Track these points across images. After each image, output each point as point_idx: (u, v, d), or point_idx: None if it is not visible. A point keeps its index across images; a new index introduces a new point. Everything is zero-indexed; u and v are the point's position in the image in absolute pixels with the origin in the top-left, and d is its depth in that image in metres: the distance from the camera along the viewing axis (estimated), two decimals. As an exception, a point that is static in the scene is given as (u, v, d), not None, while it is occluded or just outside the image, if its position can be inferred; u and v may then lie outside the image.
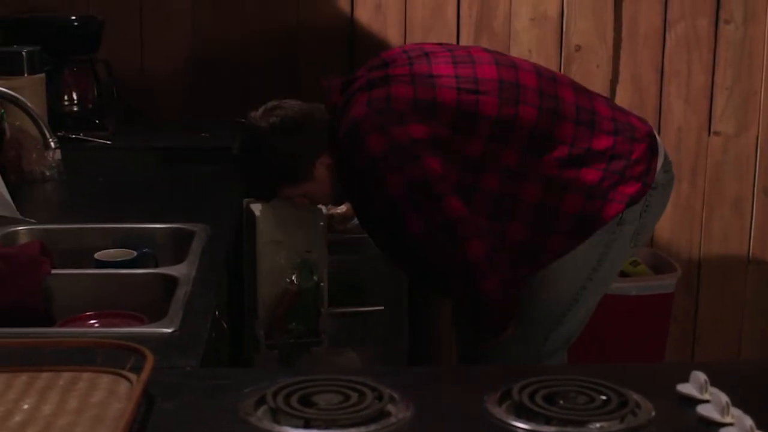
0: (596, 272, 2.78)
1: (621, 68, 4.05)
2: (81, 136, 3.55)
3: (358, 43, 4.03)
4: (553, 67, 3.98)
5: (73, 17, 3.74)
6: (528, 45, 4.01)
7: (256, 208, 3.07)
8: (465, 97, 2.65)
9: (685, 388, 1.60)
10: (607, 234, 2.74)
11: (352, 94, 2.69)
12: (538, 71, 2.78)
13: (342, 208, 3.24)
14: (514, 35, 4.00)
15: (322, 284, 3.12)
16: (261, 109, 2.74)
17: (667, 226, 4.11)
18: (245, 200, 3.12)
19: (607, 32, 4.03)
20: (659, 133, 3.96)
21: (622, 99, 4.02)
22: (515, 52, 3.98)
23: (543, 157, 2.67)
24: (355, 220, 3.16)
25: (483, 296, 2.63)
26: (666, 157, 2.84)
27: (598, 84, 4.01)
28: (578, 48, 4.02)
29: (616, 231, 2.74)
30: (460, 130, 2.63)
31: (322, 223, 3.11)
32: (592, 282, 2.79)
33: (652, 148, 2.79)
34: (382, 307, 3.30)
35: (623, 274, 3.70)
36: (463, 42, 3.98)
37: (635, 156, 2.74)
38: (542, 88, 2.73)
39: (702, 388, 1.58)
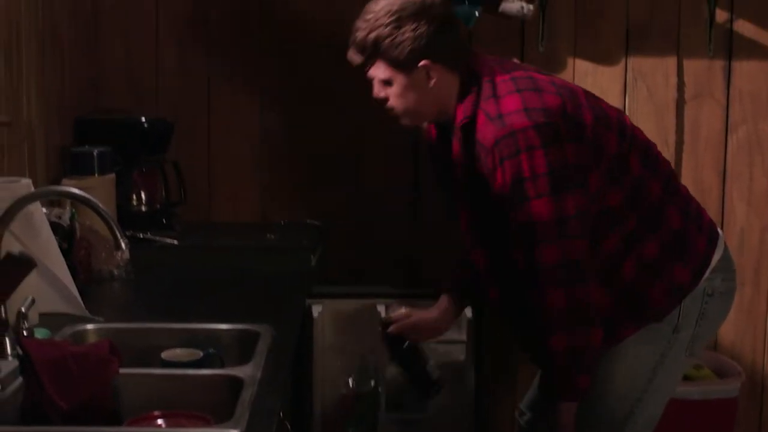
0: (651, 383, 2.74)
1: (683, 170, 4.06)
2: (149, 235, 3.60)
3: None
4: (615, 170, 4.02)
5: (144, 119, 3.81)
6: (590, 147, 4.03)
7: (315, 310, 3.09)
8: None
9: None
10: (663, 342, 2.72)
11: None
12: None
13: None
14: (575, 138, 4.03)
15: (380, 389, 3.11)
16: None
17: (730, 329, 4.09)
18: (307, 301, 3.15)
19: (669, 135, 4.05)
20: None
21: (684, 201, 4.02)
22: (577, 155, 4.01)
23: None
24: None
25: (589, 341, 2.59)
26: (728, 263, 2.82)
27: (660, 186, 4.03)
28: (640, 150, 4.04)
29: (671, 339, 2.73)
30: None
31: (380, 328, 3.12)
32: (647, 393, 2.75)
33: (712, 242, 2.78)
34: (442, 413, 3.28)
35: (686, 378, 3.68)
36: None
37: (694, 244, 2.73)
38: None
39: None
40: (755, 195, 4.08)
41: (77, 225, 3.15)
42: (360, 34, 2.70)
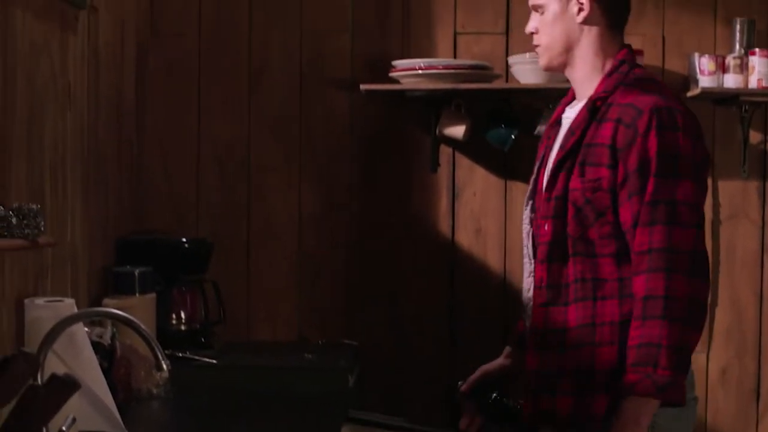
0: None
1: (719, 291, 4.06)
2: (188, 354, 3.62)
3: (458, 267, 4.11)
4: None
5: (184, 239, 3.88)
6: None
7: (345, 432, 3.11)
8: None
9: None
10: None
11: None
12: None
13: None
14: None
15: None
16: None
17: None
18: (343, 428, 3.15)
19: (704, 255, 4.06)
20: (759, 355, 3.97)
21: (720, 321, 4.03)
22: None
23: None
24: None
25: (695, 340, 2.55)
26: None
27: (696, 306, 4.03)
28: (676, 271, 4.05)
29: None
30: None
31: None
32: None
33: None
34: None
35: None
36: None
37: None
38: None
39: None
40: (792, 315, 4.08)
41: (118, 344, 3.18)
42: None
